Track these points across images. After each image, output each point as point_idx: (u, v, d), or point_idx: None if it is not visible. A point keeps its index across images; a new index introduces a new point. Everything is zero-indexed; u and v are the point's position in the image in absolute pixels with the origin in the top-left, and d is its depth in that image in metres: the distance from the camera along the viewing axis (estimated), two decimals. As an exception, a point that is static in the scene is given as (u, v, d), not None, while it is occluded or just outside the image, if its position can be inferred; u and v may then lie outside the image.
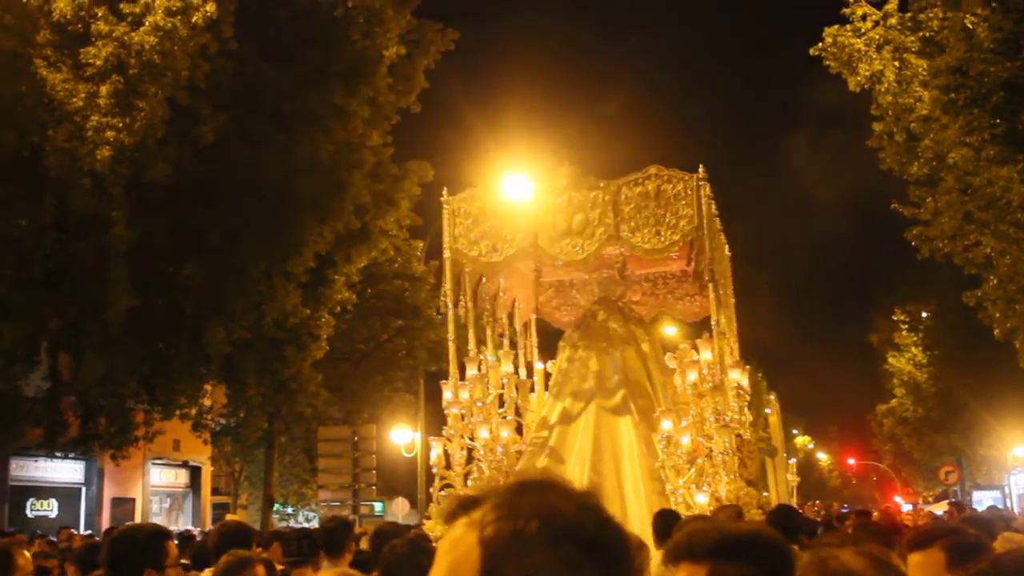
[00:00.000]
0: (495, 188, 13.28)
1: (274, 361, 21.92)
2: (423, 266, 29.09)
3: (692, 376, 12.17)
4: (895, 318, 49.76)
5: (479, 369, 13.11)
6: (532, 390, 14.34)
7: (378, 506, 33.22)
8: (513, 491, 1.73)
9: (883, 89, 20.91)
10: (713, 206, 12.69)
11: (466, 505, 1.73)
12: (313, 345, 22.64)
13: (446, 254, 13.07)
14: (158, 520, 28.32)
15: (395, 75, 23.43)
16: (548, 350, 15.23)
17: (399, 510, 29.31)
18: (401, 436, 27.64)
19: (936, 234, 21.56)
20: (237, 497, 33.30)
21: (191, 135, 19.62)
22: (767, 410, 69.89)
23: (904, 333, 49.22)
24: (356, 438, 24.17)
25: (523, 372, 14.41)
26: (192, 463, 30.37)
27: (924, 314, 48.95)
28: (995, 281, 21.21)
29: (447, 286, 13.11)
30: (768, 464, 19.44)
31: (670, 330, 19.61)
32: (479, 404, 12.81)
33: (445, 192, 13.23)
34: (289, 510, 35.03)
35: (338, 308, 23.90)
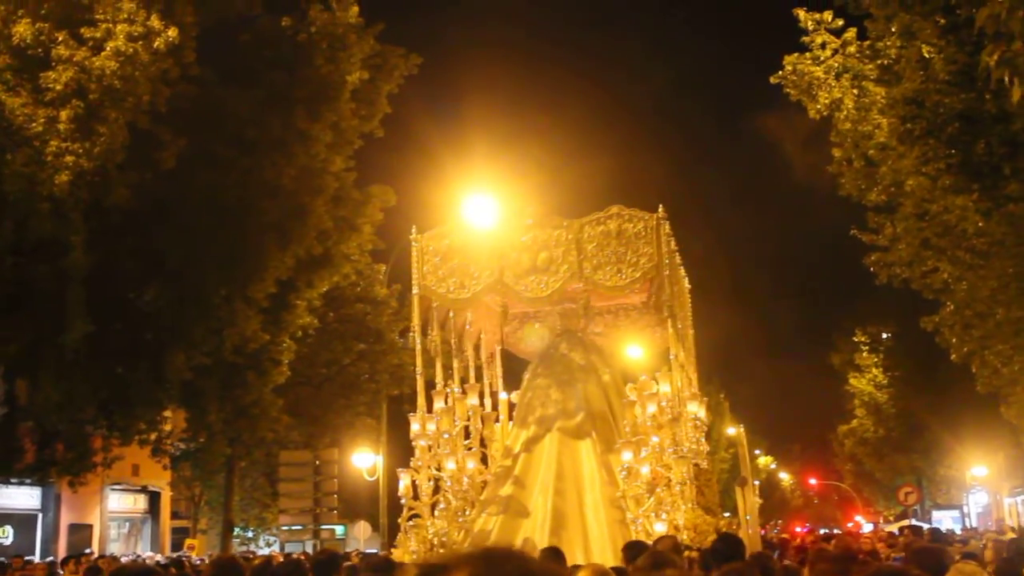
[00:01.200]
0: (462, 226, 13.72)
1: (235, 387, 21.84)
2: (385, 290, 29.07)
3: (652, 408, 12.49)
4: (856, 339, 50.23)
5: (446, 402, 13.48)
6: (497, 420, 14.68)
7: (339, 529, 33.05)
8: (480, 566, 1.75)
9: (842, 116, 21.12)
10: (672, 243, 13.13)
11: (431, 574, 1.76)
12: (274, 370, 22.58)
13: (415, 291, 13.47)
14: (116, 546, 28.03)
15: (358, 100, 23.45)
16: (512, 380, 15.60)
17: (360, 534, 29.14)
18: (363, 460, 27.48)
19: (894, 259, 21.76)
20: (197, 522, 33.02)
21: (152, 160, 19.52)
22: (732, 434, 70.10)
23: (865, 354, 49.68)
24: (318, 462, 24.09)
25: (488, 402, 14.71)
26: (151, 488, 30.06)
27: (884, 335, 49.45)
28: (952, 307, 21.49)
29: (415, 323, 13.52)
30: (738, 492, 19.81)
31: (635, 351, 19.86)
32: (445, 436, 13.19)
33: (414, 230, 13.62)
34: (249, 534, 34.76)
35: (300, 333, 23.86)
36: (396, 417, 28.31)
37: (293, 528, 24.90)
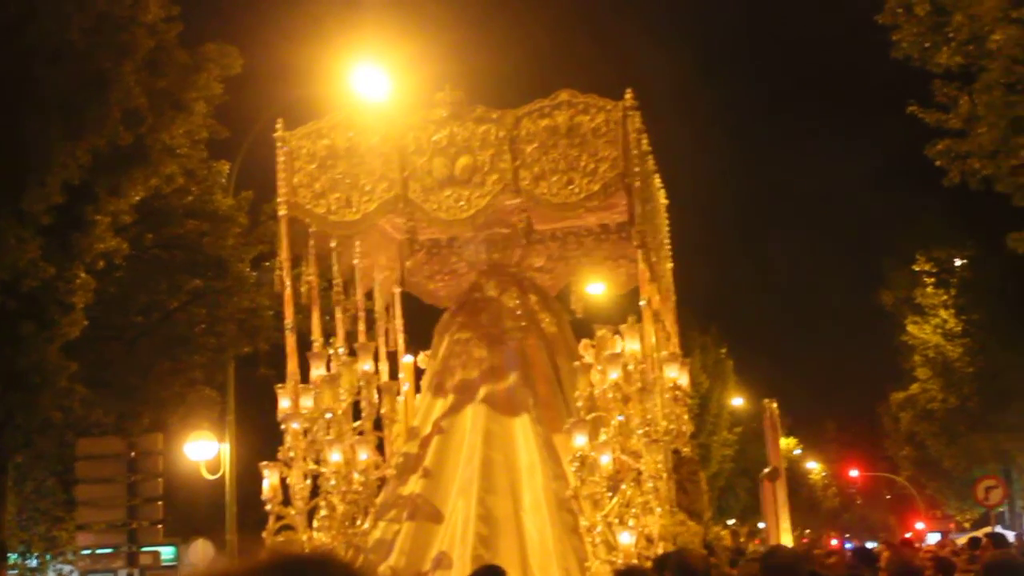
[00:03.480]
0: (348, 119, 13.95)
1: (2, 344, 21.56)
2: (231, 199, 28.78)
3: (614, 374, 12.82)
4: (917, 268, 50.84)
5: (327, 368, 13.85)
6: (399, 393, 15.06)
7: (168, 552, 33.00)
8: None
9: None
10: (644, 142, 13.44)
11: None
12: (64, 319, 22.27)
13: (282, 211, 13.81)
14: None
15: (184, -88, 23.16)
16: (419, 337, 15.97)
17: (199, 557, 29.14)
18: (201, 450, 27.45)
19: (972, 149, 21.90)
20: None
21: None
22: (738, 406, 71.15)
23: (930, 290, 50.35)
24: (133, 454, 23.98)
25: (386, 368, 15.05)
26: None
27: (958, 262, 50.07)
28: (1055, 218, 21.72)
29: (282, 256, 13.91)
30: (767, 489, 20.56)
31: (595, 288, 20.24)
32: (328, 416, 13.53)
33: (280, 126, 13.90)
34: (33, 563, 34.59)
35: (101, 263, 23.54)
36: (249, 387, 28.12)
37: (99, 552, 24.78)
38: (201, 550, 29.46)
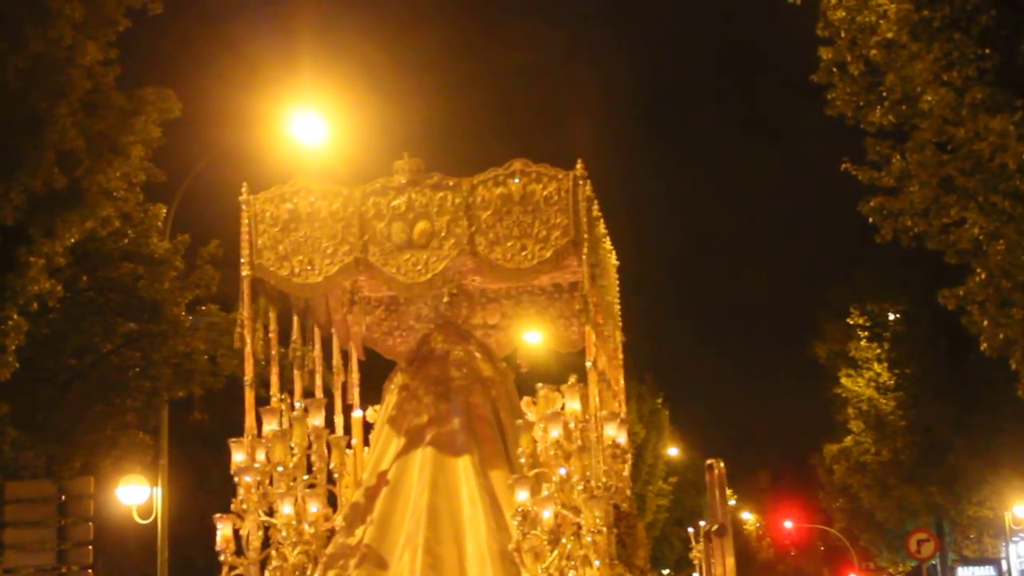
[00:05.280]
0: (309, 186, 14.19)
1: (-67, 384, 21.43)
2: (167, 243, 28.67)
3: (556, 431, 13.08)
4: (851, 322, 51.16)
5: (279, 423, 14.06)
6: (349, 446, 15.23)
7: (98, 598, 32.84)
8: None
9: (834, 1, 21.33)
10: (595, 208, 13.82)
11: None
12: (-6, 361, 22.14)
13: (245, 271, 14.09)
14: None
15: (122, -44, 23.08)
16: (368, 392, 16.17)
17: (129, 603, 28.99)
18: (133, 494, 27.29)
19: (904, 207, 22.02)
20: None
21: None
22: (673, 455, 71.35)
23: (863, 343, 50.69)
24: (64, 498, 23.84)
25: (339, 422, 15.38)
26: None
27: (891, 316, 50.44)
28: (984, 275, 21.79)
29: (245, 313, 14.12)
30: (715, 545, 20.88)
31: (532, 336, 20.49)
32: (280, 470, 13.78)
33: (245, 189, 14.16)
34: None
35: (34, 305, 23.40)
36: (181, 431, 28.02)
37: (27, 598, 24.61)
38: (131, 595, 29.27)
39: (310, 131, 26.22)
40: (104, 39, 23.13)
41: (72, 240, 24.05)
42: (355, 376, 16.13)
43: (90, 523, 23.72)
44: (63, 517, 23.40)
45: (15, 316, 22.73)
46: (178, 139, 27.16)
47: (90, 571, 24.03)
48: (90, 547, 23.64)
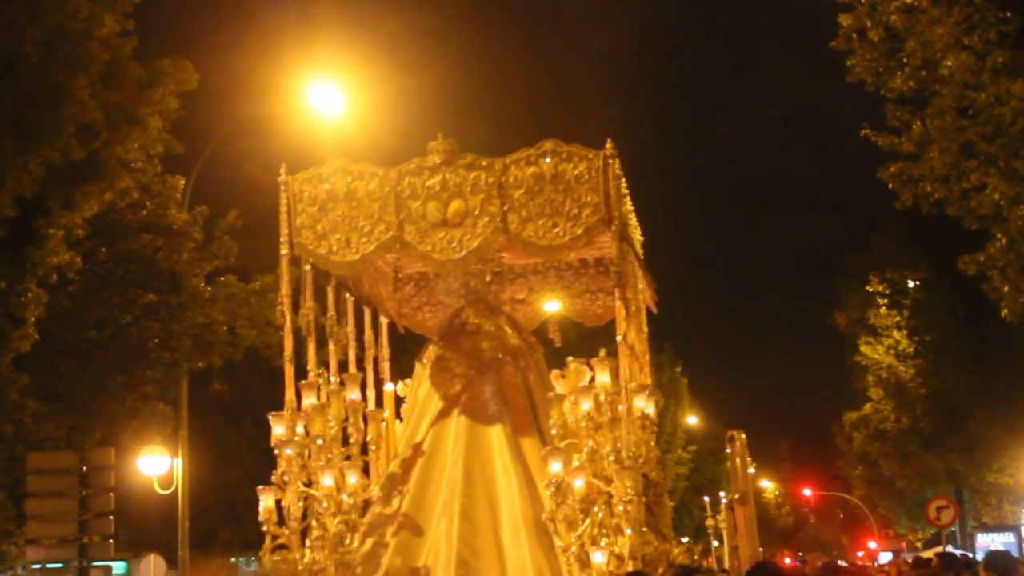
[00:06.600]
0: (346, 167, 14.81)
1: (-48, 358, 21.47)
2: (186, 214, 28.66)
3: (586, 404, 13.72)
4: (870, 289, 50.99)
5: (318, 397, 14.70)
6: (383, 420, 15.67)
7: (119, 566, 32.85)
8: None
9: (853, -36, 21.21)
10: (623, 185, 14.43)
11: None
12: (15, 332, 22.19)
13: (284, 250, 14.82)
14: None
15: (137, -76, 23.10)
16: (402, 364, 16.87)
17: (150, 573, 29.02)
18: (153, 464, 27.29)
19: (924, 172, 21.92)
20: None
21: None
22: (692, 424, 71.37)
23: (883, 311, 50.56)
24: (85, 468, 23.80)
25: (371, 395, 15.97)
26: None
27: (911, 283, 50.25)
28: (1004, 241, 21.69)
29: (284, 291, 14.86)
30: (738, 513, 21.35)
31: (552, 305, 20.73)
32: (319, 442, 14.40)
33: (283, 171, 14.84)
34: (-18, 577, 34.34)
35: (54, 277, 23.44)
36: (201, 402, 28.03)
37: (49, 566, 24.59)
38: (153, 565, 29.33)
39: (329, 102, 26.16)
40: (121, 10, 23.14)
41: (91, 212, 24.07)
42: (385, 351, 16.75)
43: (111, 494, 23.63)
44: (84, 488, 23.32)
45: (34, 288, 22.76)
46: (196, 111, 27.22)
47: (111, 541, 23.95)
48: (111, 517, 23.54)
